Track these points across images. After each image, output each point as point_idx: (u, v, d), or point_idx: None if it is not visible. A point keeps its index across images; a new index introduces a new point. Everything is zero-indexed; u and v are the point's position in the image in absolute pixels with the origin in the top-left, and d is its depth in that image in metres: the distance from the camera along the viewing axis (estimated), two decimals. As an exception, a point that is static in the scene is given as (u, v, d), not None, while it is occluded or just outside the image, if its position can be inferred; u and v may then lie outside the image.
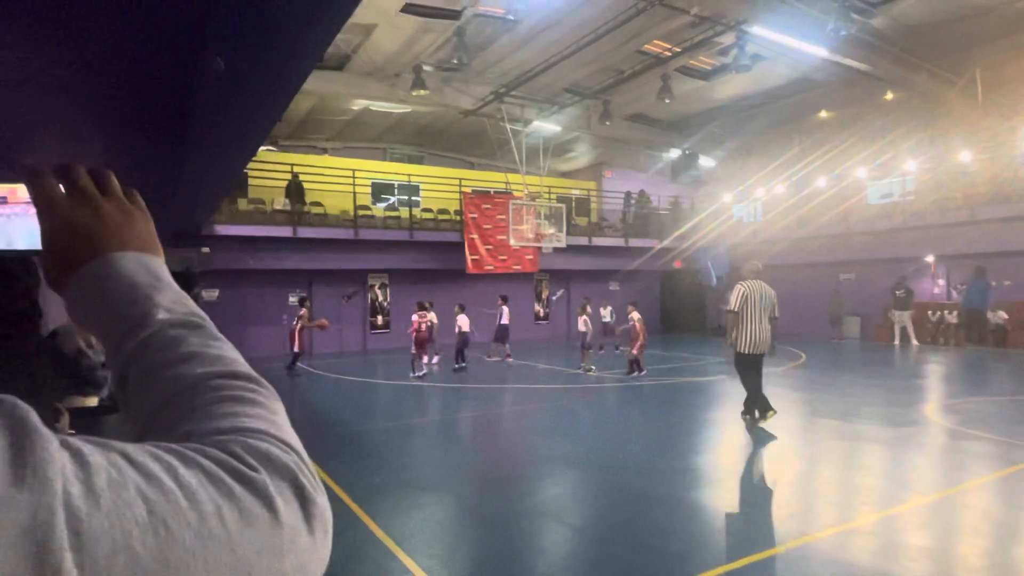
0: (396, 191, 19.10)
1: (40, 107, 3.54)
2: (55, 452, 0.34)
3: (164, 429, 0.48)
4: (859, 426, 7.28)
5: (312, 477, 0.46)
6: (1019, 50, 14.86)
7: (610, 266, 20.31)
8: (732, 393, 8.47)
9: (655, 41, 14.02)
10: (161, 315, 0.54)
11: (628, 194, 21.40)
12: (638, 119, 19.67)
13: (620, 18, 11.94)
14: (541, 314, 20.94)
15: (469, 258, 17.09)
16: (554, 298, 19.67)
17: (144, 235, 0.60)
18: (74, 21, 2.48)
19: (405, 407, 9.54)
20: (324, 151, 19.53)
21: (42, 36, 2.62)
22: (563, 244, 17.57)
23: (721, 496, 5.19)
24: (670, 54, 13.89)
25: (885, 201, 17.42)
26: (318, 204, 16.46)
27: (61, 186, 0.58)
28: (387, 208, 18.56)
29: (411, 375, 11.53)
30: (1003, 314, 15.02)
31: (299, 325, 13.33)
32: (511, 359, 13.94)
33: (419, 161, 20.87)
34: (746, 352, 7.12)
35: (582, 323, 12.92)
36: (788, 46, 12.81)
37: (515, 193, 17.81)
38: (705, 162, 22.48)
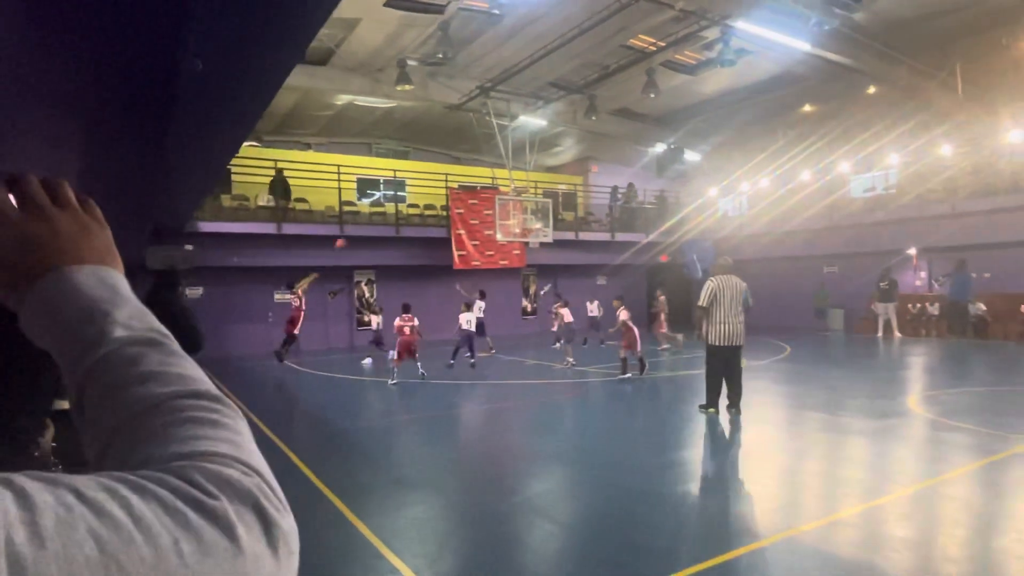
0: (382, 187, 18.99)
1: (15, 108, 3.46)
2: None
3: (122, 453, 0.47)
4: (843, 418, 7.36)
5: (276, 498, 0.45)
6: (998, 44, 15.05)
7: (597, 260, 20.36)
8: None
9: (640, 36, 14.02)
10: (118, 332, 0.52)
11: (615, 188, 21.44)
12: (624, 113, 19.70)
13: (605, 13, 11.93)
14: (529, 309, 20.96)
15: (456, 254, 17.05)
16: (542, 292, 19.71)
17: (101, 247, 0.58)
18: (48, 22, 2.43)
19: (392, 404, 9.51)
20: (308, 146, 19.37)
21: (16, 37, 2.57)
22: (550, 239, 17.58)
23: (707, 491, 5.23)
24: (655, 49, 13.91)
25: (868, 195, 17.61)
26: (303, 200, 16.33)
27: (11, 197, 0.56)
28: (373, 204, 18.45)
29: (389, 382, 10.73)
30: (982, 306, 15.26)
31: (300, 302, 13.24)
32: (493, 351, 14.03)
33: (405, 156, 20.77)
34: (717, 344, 7.42)
35: (567, 315, 13.03)
36: (772, 40, 12.88)
37: (501, 188, 17.78)
38: (690, 156, 22.58)
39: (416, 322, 11.04)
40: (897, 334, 16.25)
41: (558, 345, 14.10)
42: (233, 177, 15.57)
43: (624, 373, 10.55)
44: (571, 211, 21.21)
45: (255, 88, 4.02)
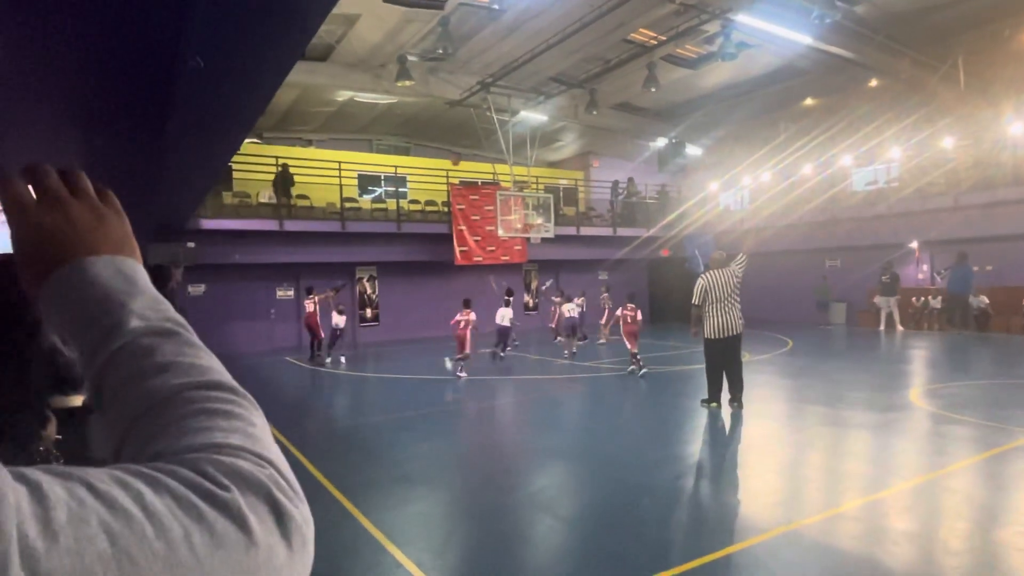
0: (383, 183, 18.98)
1: (17, 105, 3.47)
2: (7, 490, 0.33)
3: (138, 444, 0.47)
4: (845, 412, 7.37)
5: (290, 489, 0.45)
6: (1000, 36, 14.97)
7: (598, 255, 20.34)
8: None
9: (641, 30, 13.97)
10: (134, 323, 0.52)
11: (616, 183, 21.40)
12: (625, 108, 19.64)
13: (605, 7, 11.89)
14: (530, 304, 20.97)
15: (457, 249, 17.05)
16: (544, 288, 19.69)
17: (118, 237, 0.58)
18: (49, 21, 2.44)
19: (395, 401, 9.54)
20: (309, 143, 19.35)
21: (18, 35, 2.57)
22: (551, 234, 17.57)
23: (709, 485, 5.24)
24: (656, 43, 13.86)
25: (870, 188, 17.56)
26: (304, 197, 16.33)
27: (30, 188, 0.56)
28: (374, 200, 18.45)
29: (460, 374, 10.81)
30: (984, 299, 15.23)
31: (315, 308, 13.37)
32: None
33: (405, 152, 20.74)
34: (713, 337, 7.50)
35: (567, 310, 13.14)
36: (773, 34, 12.82)
37: (503, 183, 17.76)
38: (692, 150, 22.52)
39: (473, 316, 11.09)
40: (899, 327, 16.23)
41: (560, 340, 14.17)
42: (234, 174, 15.57)
43: (632, 367, 10.38)
44: (572, 206, 21.19)
45: (255, 86, 4.02)
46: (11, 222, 0.55)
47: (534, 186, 18.66)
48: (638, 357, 10.37)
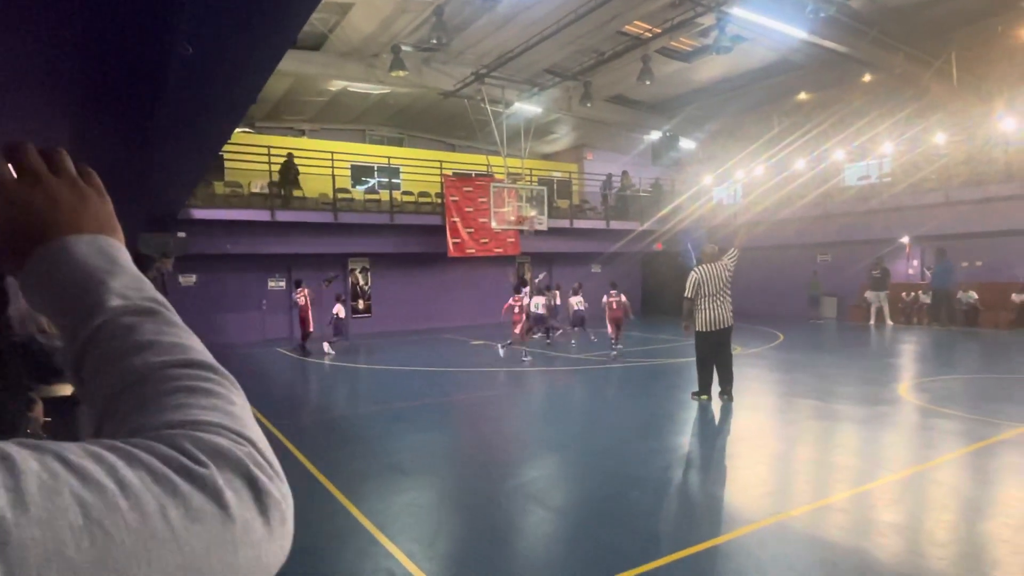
0: (376, 174, 18.89)
1: (2, 90, 3.42)
2: None
3: (116, 422, 0.47)
4: (834, 405, 7.43)
5: (268, 467, 0.45)
6: (994, 32, 15.03)
7: (592, 248, 20.36)
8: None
9: (635, 22, 13.93)
10: (114, 301, 0.52)
11: (609, 176, 21.38)
12: (619, 101, 19.61)
13: (600, -2, 11.85)
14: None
15: (451, 241, 17.01)
16: (537, 280, 19.68)
17: (99, 216, 0.58)
18: (34, 4, 2.40)
19: (386, 392, 9.53)
20: (302, 133, 19.23)
21: (3, 18, 2.53)
22: (545, 227, 17.56)
23: (698, 476, 5.28)
24: (651, 35, 13.82)
25: (862, 183, 17.63)
26: (297, 187, 16.24)
27: (10, 166, 0.55)
28: (367, 191, 18.37)
29: (523, 359, 11.42)
30: (973, 294, 15.35)
31: (307, 301, 13.56)
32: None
33: (399, 143, 20.65)
34: (704, 330, 7.58)
35: (575, 303, 13.78)
36: (768, 27, 12.82)
37: (496, 175, 17.72)
38: (685, 144, 22.52)
39: (525, 300, 12.01)
40: (889, 322, 16.35)
41: (559, 332, 14.35)
42: (226, 164, 15.47)
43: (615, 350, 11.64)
44: (566, 199, 21.18)
45: (246, 73, 3.98)
46: None
47: (528, 178, 18.62)
48: (615, 340, 11.64)
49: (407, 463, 5.69)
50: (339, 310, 13.48)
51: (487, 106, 16.27)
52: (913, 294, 16.61)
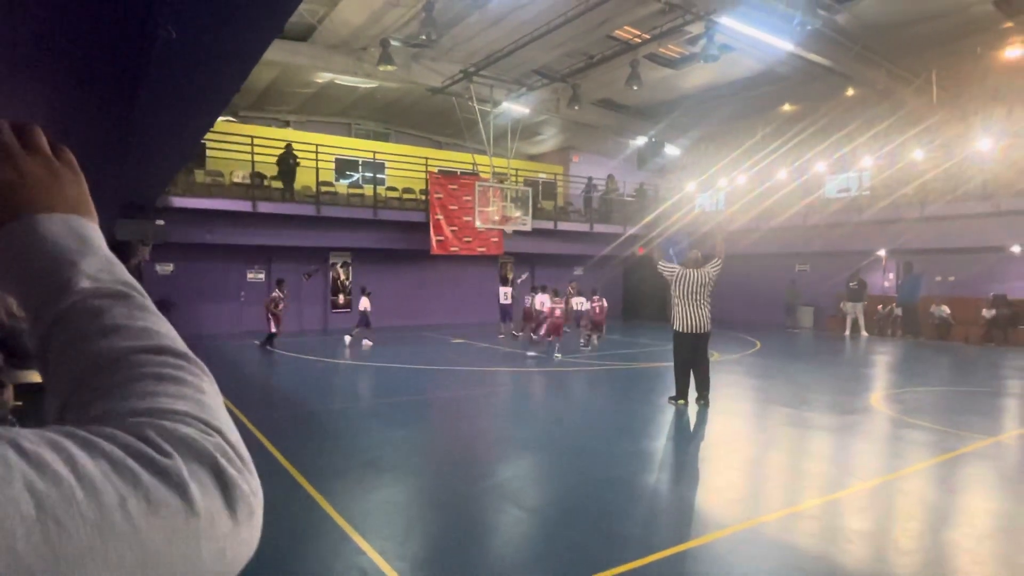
0: (360, 168, 18.75)
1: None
2: None
3: (80, 407, 0.45)
4: (807, 413, 7.53)
5: (238, 459, 0.44)
6: (973, 53, 15.38)
7: (575, 251, 20.41)
8: (688, 379, 8.66)
9: (625, 27, 14.01)
10: (84, 283, 0.50)
11: (590, 180, 21.43)
12: (606, 104, 19.70)
13: (591, 2, 11.89)
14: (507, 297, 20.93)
15: (434, 239, 16.95)
16: (519, 281, 19.67)
17: (73, 195, 0.56)
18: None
19: (364, 387, 9.47)
20: (287, 124, 19.03)
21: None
22: (528, 228, 17.57)
23: (672, 480, 5.31)
24: (640, 41, 13.91)
25: (842, 195, 17.90)
26: (277, 179, 16.07)
27: None
28: (351, 185, 18.23)
29: (555, 356, 11.82)
30: (946, 308, 15.67)
31: (282, 306, 13.45)
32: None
33: (385, 138, 20.52)
34: (680, 331, 7.68)
35: (576, 303, 14.35)
36: (755, 38, 12.96)
37: (482, 175, 17.69)
38: (671, 150, 22.69)
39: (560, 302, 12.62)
40: (864, 333, 16.63)
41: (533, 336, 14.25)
42: (208, 152, 15.24)
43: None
44: (551, 200, 21.22)
45: (231, 61, 3.92)
46: None
47: (513, 178, 18.62)
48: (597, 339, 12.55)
49: (382, 460, 5.65)
50: (366, 304, 13.71)
51: (475, 104, 16.24)
52: (888, 307, 16.91)
